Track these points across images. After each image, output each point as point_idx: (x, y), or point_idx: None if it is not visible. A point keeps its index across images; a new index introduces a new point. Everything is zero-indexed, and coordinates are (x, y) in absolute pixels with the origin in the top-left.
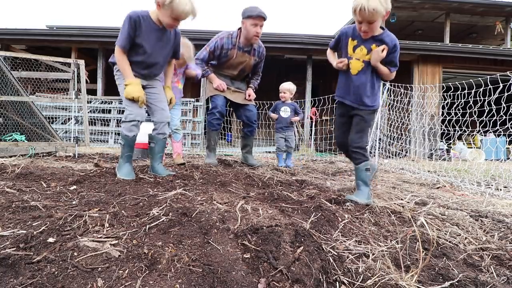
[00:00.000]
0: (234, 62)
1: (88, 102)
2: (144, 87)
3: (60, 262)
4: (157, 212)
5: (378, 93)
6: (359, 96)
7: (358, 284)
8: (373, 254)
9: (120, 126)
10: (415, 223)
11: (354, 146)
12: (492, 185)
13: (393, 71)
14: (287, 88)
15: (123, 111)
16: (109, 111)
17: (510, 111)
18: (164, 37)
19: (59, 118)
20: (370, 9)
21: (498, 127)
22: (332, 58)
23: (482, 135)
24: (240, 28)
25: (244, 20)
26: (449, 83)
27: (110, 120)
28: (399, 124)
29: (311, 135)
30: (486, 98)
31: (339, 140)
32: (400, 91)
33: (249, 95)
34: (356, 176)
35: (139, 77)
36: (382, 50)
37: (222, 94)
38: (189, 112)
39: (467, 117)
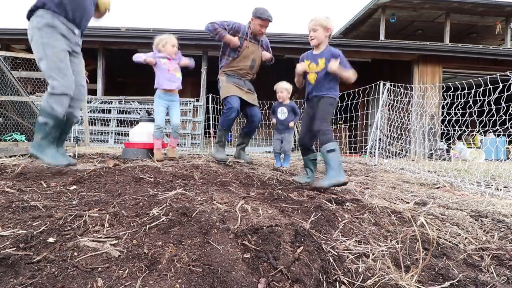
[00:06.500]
0: (247, 52)
1: (88, 102)
2: (69, 54)
3: (60, 262)
4: (157, 212)
5: (336, 88)
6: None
7: (358, 284)
8: (373, 254)
9: (46, 100)
10: (415, 223)
11: (316, 129)
12: (492, 185)
13: (350, 69)
14: (285, 87)
15: (123, 111)
16: (109, 111)
17: (510, 111)
18: None
19: None
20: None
21: (498, 127)
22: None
23: (482, 135)
24: (249, 22)
25: (254, 18)
26: (449, 83)
27: (110, 120)
28: (399, 124)
29: None
30: (486, 98)
31: (300, 136)
32: (400, 91)
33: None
34: (324, 160)
35: (70, 24)
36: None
37: (237, 95)
38: (189, 112)
39: (467, 117)
